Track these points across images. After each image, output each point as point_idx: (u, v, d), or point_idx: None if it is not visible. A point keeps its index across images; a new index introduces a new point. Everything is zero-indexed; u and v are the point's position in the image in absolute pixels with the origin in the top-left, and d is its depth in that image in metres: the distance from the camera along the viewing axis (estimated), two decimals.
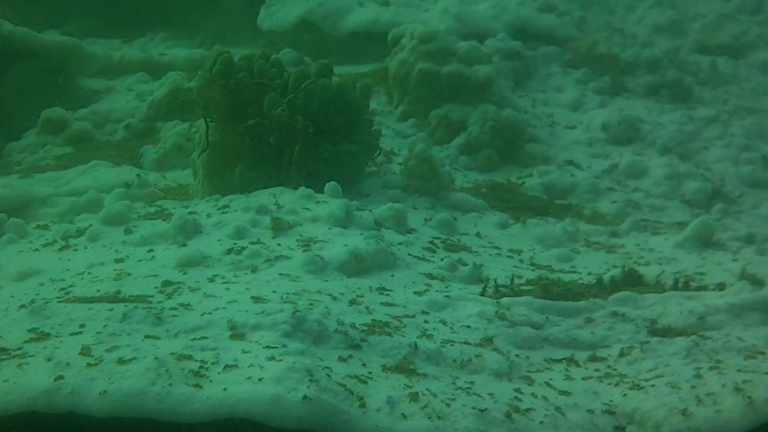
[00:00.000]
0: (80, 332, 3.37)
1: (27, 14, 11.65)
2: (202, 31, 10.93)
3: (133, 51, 9.94)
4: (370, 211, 5.26)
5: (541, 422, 3.00)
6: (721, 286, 4.38)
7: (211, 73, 5.86)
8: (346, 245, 4.47)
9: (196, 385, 2.89)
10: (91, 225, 4.89)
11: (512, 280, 4.38)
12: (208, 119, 5.79)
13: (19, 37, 7.78)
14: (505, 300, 4.05)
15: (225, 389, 2.86)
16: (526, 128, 7.27)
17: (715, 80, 9.02)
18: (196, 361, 3.03)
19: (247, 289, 3.89)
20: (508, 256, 5.10)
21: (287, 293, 3.82)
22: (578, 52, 9.08)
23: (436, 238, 5.18)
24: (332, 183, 5.32)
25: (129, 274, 4.12)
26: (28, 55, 8.24)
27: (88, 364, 3.01)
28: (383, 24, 9.07)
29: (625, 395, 3.21)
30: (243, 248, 4.41)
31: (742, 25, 10.89)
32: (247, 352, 3.15)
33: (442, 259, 4.72)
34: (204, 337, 3.29)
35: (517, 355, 3.54)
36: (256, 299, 3.72)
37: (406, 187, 5.94)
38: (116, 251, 4.53)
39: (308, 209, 5.05)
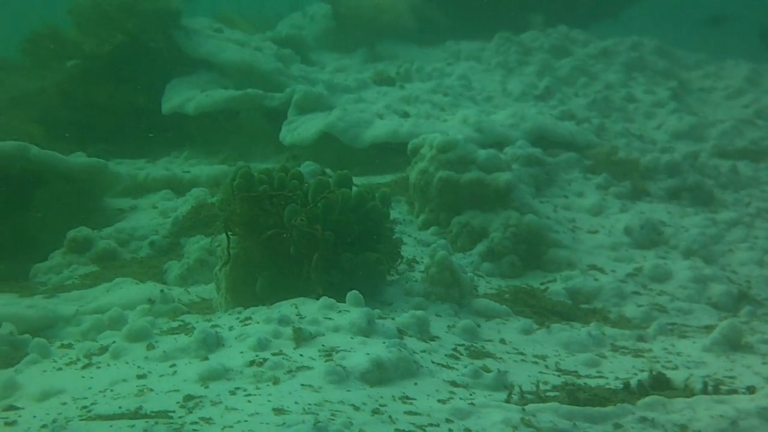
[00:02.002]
0: None
1: (54, 136, 11.97)
2: (225, 148, 11.12)
3: (157, 170, 10.11)
4: (393, 319, 5.23)
5: None
6: (751, 390, 4.28)
7: (231, 187, 5.91)
8: (368, 354, 4.42)
9: None
10: (114, 342, 4.88)
11: (538, 386, 4.30)
12: (230, 233, 5.82)
13: (46, 161, 7.93)
14: (530, 407, 3.96)
15: None
16: (548, 234, 7.26)
17: (736, 184, 9.05)
18: None
19: (269, 401, 3.84)
20: (533, 362, 5.03)
21: (309, 404, 3.77)
22: (598, 158, 9.15)
23: (459, 345, 5.12)
24: (354, 292, 5.31)
25: (151, 390, 4.08)
26: (55, 178, 8.38)
27: None
28: (403, 135, 9.21)
29: None
30: (265, 360, 4.37)
31: (761, 130, 11.02)
32: None
33: (465, 366, 4.65)
34: None
35: None
36: (278, 411, 3.67)
37: (429, 294, 5.91)
38: (138, 367, 4.51)
39: (330, 319, 5.03)
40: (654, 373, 4.53)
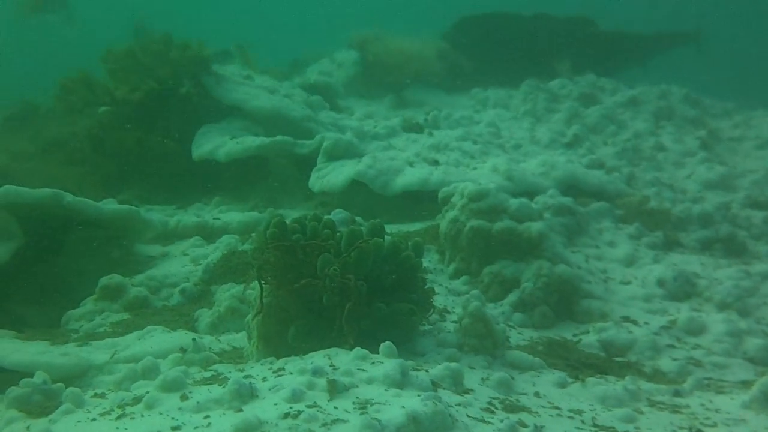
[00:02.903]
0: None
1: (85, 182, 12.09)
2: (254, 194, 11.17)
3: (188, 216, 10.15)
4: (426, 371, 5.18)
5: None
6: None
7: (265, 236, 5.92)
8: (403, 407, 4.38)
9: None
10: (147, 392, 4.86)
11: None
12: (263, 281, 5.82)
13: (80, 208, 7.98)
14: None
15: None
16: (580, 284, 7.21)
17: None
18: None
19: None
20: (569, 417, 4.96)
21: None
22: (629, 208, 9.10)
23: (494, 398, 5.07)
24: (387, 343, 5.27)
25: None
26: (87, 225, 8.44)
27: None
28: (433, 183, 9.22)
29: None
30: (300, 412, 4.34)
31: None
32: None
33: (501, 421, 4.60)
34: None
35: None
36: None
37: (462, 346, 5.87)
38: (172, 419, 4.48)
39: (364, 370, 4.99)
40: (693, 430, 4.47)
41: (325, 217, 6.47)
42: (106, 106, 12.63)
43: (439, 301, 6.78)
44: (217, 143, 11.12)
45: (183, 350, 6.00)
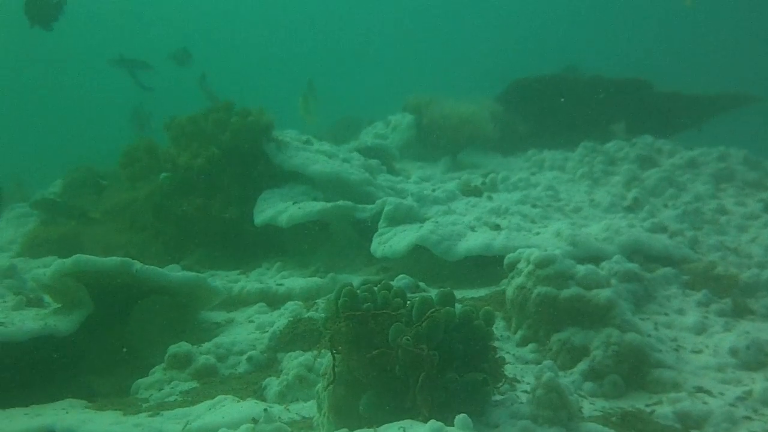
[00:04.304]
0: None
1: (147, 247, 12.26)
2: (315, 259, 11.22)
3: (251, 283, 10.20)
4: None
5: None
6: None
7: (336, 306, 5.92)
8: None
9: None
10: None
11: None
12: (335, 351, 5.82)
13: (148, 276, 8.07)
14: None
15: None
16: (651, 353, 7.09)
17: None
18: None
19: None
20: None
21: None
22: (696, 274, 8.98)
23: None
24: (463, 416, 5.23)
25: None
26: (155, 292, 8.53)
27: None
28: (496, 248, 9.20)
29: None
30: None
31: None
32: None
33: None
34: None
35: None
36: None
37: (535, 417, 5.79)
38: None
39: None
40: None
41: (394, 285, 6.47)
42: (168, 172, 12.84)
43: (507, 369, 6.70)
44: (279, 208, 11.22)
45: (255, 420, 5.98)
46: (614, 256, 8.71)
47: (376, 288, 6.29)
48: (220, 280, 10.29)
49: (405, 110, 19.25)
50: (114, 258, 7.90)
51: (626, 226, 10.04)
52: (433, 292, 6.58)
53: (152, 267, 8.15)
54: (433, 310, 5.87)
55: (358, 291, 6.10)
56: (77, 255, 7.81)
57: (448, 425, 5.21)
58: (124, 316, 8.51)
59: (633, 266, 8.45)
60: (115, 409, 6.69)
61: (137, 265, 7.99)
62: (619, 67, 19.61)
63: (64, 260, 7.79)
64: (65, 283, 7.88)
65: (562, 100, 18.25)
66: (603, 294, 7.33)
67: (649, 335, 7.46)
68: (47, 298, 8.63)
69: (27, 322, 7.55)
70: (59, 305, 8.08)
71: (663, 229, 10.67)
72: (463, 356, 5.92)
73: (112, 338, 8.23)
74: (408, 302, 6.14)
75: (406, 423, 5.34)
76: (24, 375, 7.51)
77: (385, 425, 5.38)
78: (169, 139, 13.00)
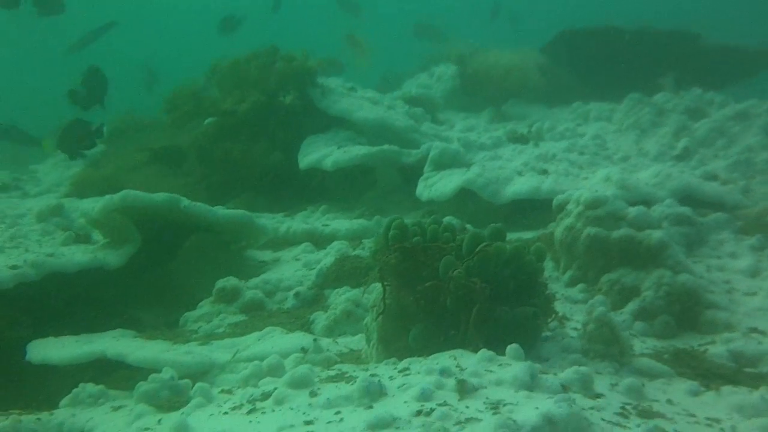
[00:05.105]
0: None
1: (192, 192, 12.27)
2: (360, 203, 11.19)
3: (297, 224, 10.20)
4: (555, 374, 5.06)
5: None
6: None
7: (386, 238, 5.88)
8: (537, 408, 4.28)
9: None
10: (276, 389, 4.86)
11: None
12: (384, 283, 5.78)
13: (196, 212, 8.08)
14: None
15: None
16: (703, 294, 6.98)
17: None
18: None
19: None
20: (707, 425, 4.78)
21: None
22: (749, 219, 8.82)
23: (626, 403, 4.92)
24: (515, 345, 5.18)
25: None
26: (203, 229, 8.54)
27: None
28: (544, 192, 9.10)
29: None
30: (432, 410, 4.28)
31: None
32: None
33: (638, 426, 4.46)
34: None
35: None
36: None
37: (587, 351, 5.73)
38: (304, 413, 4.47)
39: (491, 372, 4.90)
40: None
41: (445, 220, 6.41)
42: (213, 117, 12.82)
43: (557, 307, 6.64)
44: (323, 152, 11.18)
45: (304, 350, 5.99)
46: (666, 200, 8.57)
47: (425, 222, 6.25)
48: (267, 221, 10.28)
49: (448, 61, 19.06)
50: (162, 194, 7.92)
51: (677, 173, 9.88)
52: None
53: (199, 203, 8.16)
54: (485, 244, 5.81)
55: (408, 225, 6.06)
56: (125, 190, 7.83)
57: (499, 356, 5.16)
58: (172, 252, 8.54)
59: (685, 209, 8.30)
60: (165, 339, 6.72)
61: (185, 201, 8.01)
62: (668, 19, 19.21)
63: (112, 195, 7.83)
64: (113, 219, 7.91)
65: (609, 52, 17.97)
66: (655, 235, 7.21)
67: (702, 277, 7.34)
68: (95, 235, 8.69)
69: (76, 254, 7.60)
70: (107, 240, 8.12)
71: (714, 178, 10.49)
72: (514, 291, 5.86)
73: (160, 274, 8.27)
74: (458, 237, 6.09)
75: (457, 352, 5.30)
76: (74, 306, 7.58)
77: (436, 354, 5.35)
78: (213, 85, 12.97)
